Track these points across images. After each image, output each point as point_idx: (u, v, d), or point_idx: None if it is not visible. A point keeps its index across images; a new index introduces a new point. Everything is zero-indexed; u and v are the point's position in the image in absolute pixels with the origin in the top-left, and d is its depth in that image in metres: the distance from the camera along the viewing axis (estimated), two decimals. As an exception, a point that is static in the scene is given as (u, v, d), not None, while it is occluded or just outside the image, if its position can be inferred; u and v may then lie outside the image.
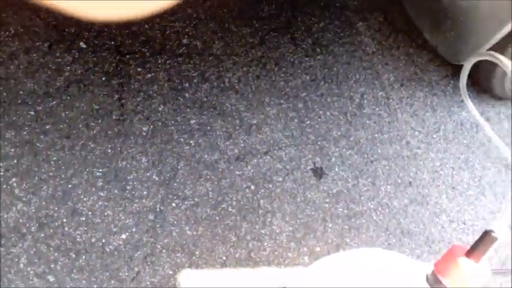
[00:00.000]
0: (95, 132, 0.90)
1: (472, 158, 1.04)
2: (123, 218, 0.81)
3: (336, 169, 0.97)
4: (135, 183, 0.86)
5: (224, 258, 0.81)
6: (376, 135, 1.04)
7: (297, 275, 0.71)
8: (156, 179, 0.87)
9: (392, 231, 0.90)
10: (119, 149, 0.89)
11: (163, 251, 0.79)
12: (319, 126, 1.03)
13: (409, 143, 1.04)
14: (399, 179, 0.98)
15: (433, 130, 1.07)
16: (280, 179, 0.94)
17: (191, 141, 0.94)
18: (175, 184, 0.88)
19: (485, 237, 0.48)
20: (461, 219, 0.94)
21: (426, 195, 0.96)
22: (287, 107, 1.04)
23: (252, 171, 0.94)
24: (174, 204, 0.85)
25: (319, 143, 1.01)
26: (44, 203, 0.80)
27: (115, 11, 0.13)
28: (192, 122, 0.97)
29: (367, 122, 1.05)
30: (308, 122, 1.04)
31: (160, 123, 0.95)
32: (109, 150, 0.88)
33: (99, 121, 0.92)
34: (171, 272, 0.76)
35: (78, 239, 0.77)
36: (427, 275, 0.53)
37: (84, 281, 0.73)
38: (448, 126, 1.08)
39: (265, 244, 0.85)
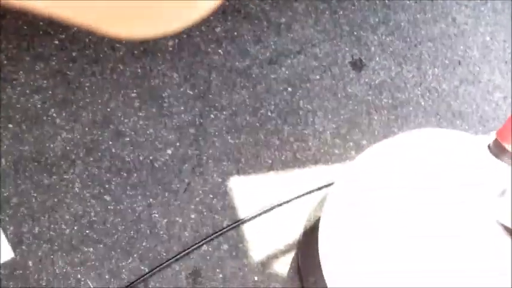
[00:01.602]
0: (121, 53, 0.88)
1: (528, 27, 0.94)
2: (165, 134, 0.81)
3: (377, 59, 0.91)
4: (170, 99, 0.84)
5: (270, 161, 0.81)
6: (418, 15, 0.95)
7: (344, 169, 0.70)
8: (191, 93, 0.85)
9: (443, 115, 0.85)
10: (148, 67, 0.87)
11: (210, 161, 0.79)
12: (354, 15, 0.95)
13: (455, 20, 0.94)
14: (447, 59, 0.91)
15: (480, 2, 0.96)
16: (317, 77, 0.89)
17: (219, 50, 0.90)
18: (210, 96, 0.86)
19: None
20: (517, 93, 0.87)
21: (477, 73, 0.89)
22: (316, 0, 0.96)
23: (287, 72, 0.89)
24: (212, 116, 0.84)
25: (355, 33, 0.94)
26: (86, 129, 0.80)
27: (141, 29, 0.13)
28: (217, 30, 0.92)
29: (407, 2, 0.96)
30: (341, 13, 0.96)
31: (185, 36, 0.90)
32: (139, 70, 0.86)
33: (123, 42, 0.88)
34: (220, 180, 0.77)
35: (126, 159, 0.79)
36: (489, 145, 0.49)
37: (139, 197, 0.75)
38: (499, -5, 0.96)
39: (310, 144, 0.83)
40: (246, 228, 0.74)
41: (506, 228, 0.43)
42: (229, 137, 0.83)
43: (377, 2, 0.95)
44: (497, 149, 0.48)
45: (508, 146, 0.46)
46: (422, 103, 0.86)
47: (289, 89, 0.88)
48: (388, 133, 0.84)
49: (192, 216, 0.74)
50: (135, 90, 0.85)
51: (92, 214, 0.75)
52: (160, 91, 0.85)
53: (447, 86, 0.88)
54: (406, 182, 0.49)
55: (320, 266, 0.61)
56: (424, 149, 0.53)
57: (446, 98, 0.87)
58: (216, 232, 0.71)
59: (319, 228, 0.62)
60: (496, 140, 0.48)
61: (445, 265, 0.43)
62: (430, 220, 0.46)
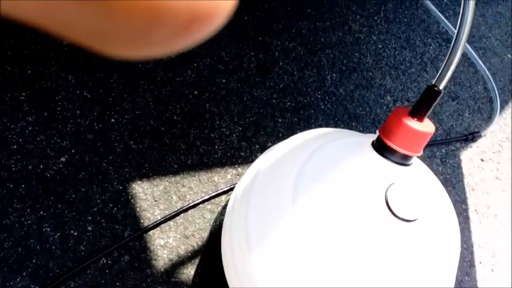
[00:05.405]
0: (9, 52, 0.79)
1: (413, 36, 1.03)
2: (58, 140, 0.75)
3: (281, 63, 0.94)
4: (65, 103, 0.78)
5: (176, 166, 0.79)
6: (317, 24, 0.99)
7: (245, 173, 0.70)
8: (88, 95, 0.80)
9: (340, 118, 0.90)
10: (40, 68, 0.80)
11: (110, 168, 0.75)
12: (259, 21, 0.97)
13: (351, 29, 1.01)
14: (343, 66, 0.96)
15: (373, 12, 1.04)
16: (224, 81, 0.89)
17: (121, 52, 0.86)
18: (110, 99, 0.81)
19: (429, 93, 0.48)
20: (405, 97, 0.95)
21: (370, 79, 0.96)
22: (221, 4, 0.96)
23: (193, 76, 0.88)
24: (113, 120, 0.79)
25: (260, 38, 0.95)
26: (-37, 136, 0.71)
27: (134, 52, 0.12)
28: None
29: (308, 10, 1.00)
30: (246, 18, 0.97)
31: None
32: (29, 71, 0.79)
33: (11, 38, 0.80)
34: (121, 187, 0.73)
35: (13, 169, 0.71)
36: (373, 141, 0.53)
37: (28, 209, 0.68)
38: (389, 6, 1.05)
39: (216, 147, 0.83)
40: (149, 237, 0.71)
41: (395, 215, 0.45)
42: (131, 142, 0.79)
43: (280, 9, 0.98)
44: (379, 145, 0.51)
45: (389, 143, 0.49)
46: (322, 106, 0.90)
47: (195, 92, 0.87)
48: (292, 135, 0.86)
49: (89, 228, 0.68)
50: (24, 93, 0.78)
51: (-29, 232, 0.66)
52: (53, 94, 0.79)
53: (344, 90, 0.93)
54: (305, 179, 0.50)
55: (223, 270, 0.60)
56: (319, 147, 0.54)
57: (343, 102, 0.92)
58: (116, 243, 0.67)
59: (222, 232, 0.61)
60: (378, 136, 0.52)
61: (359, 258, 0.45)
62: (333, 213, 0.47)
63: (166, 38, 0.11)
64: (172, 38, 0.11)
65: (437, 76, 0.47)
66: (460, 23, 0.45)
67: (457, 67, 1.05)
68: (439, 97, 0.47)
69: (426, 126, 0.49)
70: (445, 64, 0.49)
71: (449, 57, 0.49)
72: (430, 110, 0.48)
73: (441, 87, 0.47)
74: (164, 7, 0.10)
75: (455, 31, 0.45)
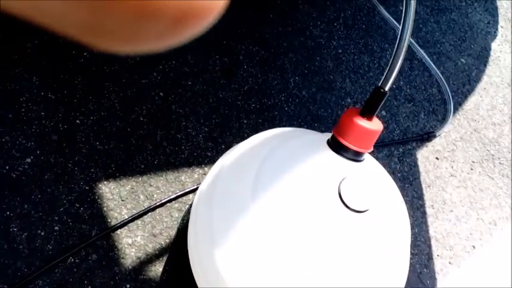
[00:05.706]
0: (-31, 54, 0.79)
1: (371, 42, 1.09)
2: (23, 142, 0.75)
3: (245, 66, 0.97)
4: (29, 104, 0.78)
5: (142, 166, 0.80)
6: (280, 29, 1.03)
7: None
8: (53, 97, 0.80)
9: (303, 119, 0.94)
10: (3, 70, 0.80)
11: (76, 168, 0.76)
12: (223, 25, 1.00)
13: (312, 34, 1.05)
14: (306, 69, 1.01)
15: (333, 18, 1.09)
16: (189, 83, 0.92)
17: (85, 53, 0.87)
18: (75, 100, 0.82)
19: (376, 94, 0.52)
20: (364, 99, 1.00)
21: (331, 82, 1.01)
22: (187, 8, 0.98)
23: (159, 78, 0.90)
24: (78, 121, 0.80)
25: (224, 42, 0.98)
26: None
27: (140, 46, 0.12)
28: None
29: (270, 16, 1.04)
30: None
31: (46, 37, 0.85)
32: (-9, 73, 0.79)
33: (-28, 41, 0.80)
34: (87, 188, 0.74)
35: (-25, 171, 0.71)
36: (328, 140, 0.57)
37: (-8, 211, 0.68)
38: (347, 13, 1.10)
39: (183, 147, 0.85)
40: (116, 236, 0.72)
41: (347, 206, 0.49)
42: (97, 143, 0.80)
43: (244, 14, 1.02)
44: (334, 143, 0.55)
45: (343, 141, 0.53)
46: (286, 108, 0.94)
47: (161, 93, 0.89)
48: (256, 135, 0.90)
49: (56, 228, 0.69)
50: (-14, 95, 0.77)
51: None
52: (17, 95, 0.79)
53: (306, 92, 0.97)
54: (264, 175, 0.53)
55: (190, 266, 0.62)
56: (278, 145, 0.58)
57: (306, 104, 0.96)
58: (83, 242, 0.68)
59: (188, 228, 0.64)
60: (333, 135, 0.56)
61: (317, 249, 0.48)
62: (291, 207, 0.51)
63: (156, 34, 0.11)
64: (162, 34, 0.12)
65: (382, 79, 0.52)
66: (401, 34, 0.50)
67: (412, 71, 1.11)
68: (385, 98, 0.52)
69: (375, 125, 0.53)
70: (389, 68, 0.54)
71: (392, 62, 0.54)
72: (378, 110, 0.52)
73: (387, 88, 0.51)
74: (154, 3, 0.10)
75: (397, 41, 0.50)
